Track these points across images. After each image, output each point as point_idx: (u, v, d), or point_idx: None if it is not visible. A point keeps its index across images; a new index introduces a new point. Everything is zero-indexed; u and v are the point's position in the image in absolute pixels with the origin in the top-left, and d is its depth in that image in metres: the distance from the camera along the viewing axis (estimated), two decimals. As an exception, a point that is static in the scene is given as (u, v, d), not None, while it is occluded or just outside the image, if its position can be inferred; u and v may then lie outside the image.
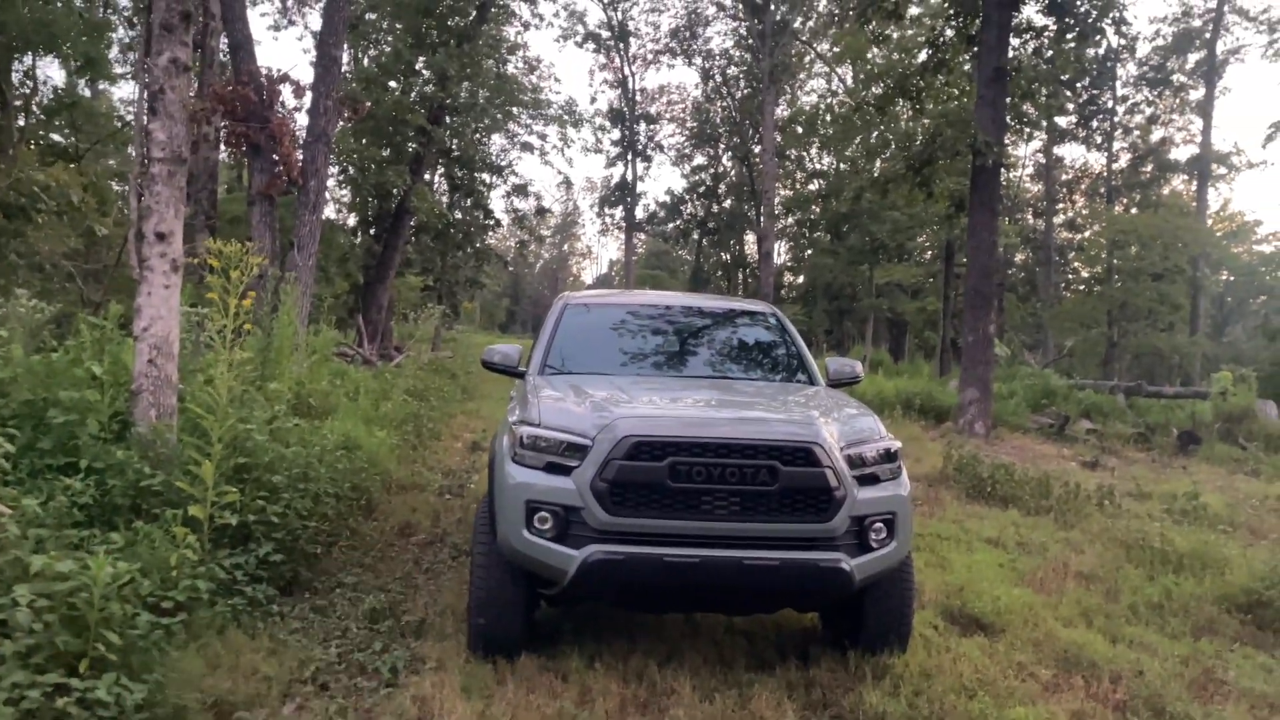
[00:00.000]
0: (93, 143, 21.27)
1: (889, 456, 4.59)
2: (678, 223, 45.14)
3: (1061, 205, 39.05)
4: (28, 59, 18.46)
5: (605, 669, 4.51)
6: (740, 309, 6.87)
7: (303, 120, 15.64)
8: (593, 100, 57.58)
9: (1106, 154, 36.56)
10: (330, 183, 24.97)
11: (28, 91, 19.69)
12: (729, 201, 42.92)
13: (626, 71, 44.29)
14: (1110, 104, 34.77)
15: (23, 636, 3.14)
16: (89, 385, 5.49)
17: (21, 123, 19.68)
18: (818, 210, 37.47)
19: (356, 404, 10.12)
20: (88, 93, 24.62)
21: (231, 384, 5.43)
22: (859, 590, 4.45)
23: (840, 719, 4.21)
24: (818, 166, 40.32)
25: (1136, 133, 36.74)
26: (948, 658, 4.89)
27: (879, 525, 4.39)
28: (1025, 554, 7.37)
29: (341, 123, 19.40)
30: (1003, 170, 16.72)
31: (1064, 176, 39.67)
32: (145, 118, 5.90)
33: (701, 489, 4.17)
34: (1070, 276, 39.66)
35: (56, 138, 21.35)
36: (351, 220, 28.06)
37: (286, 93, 14.82)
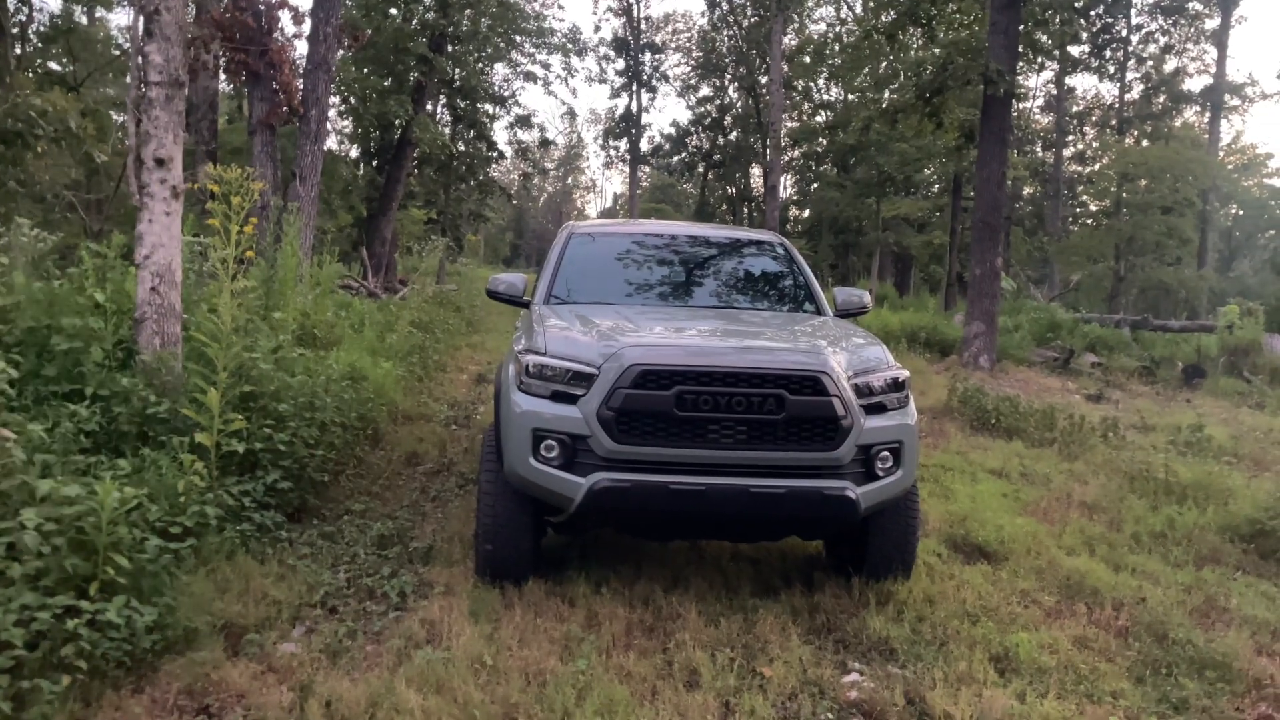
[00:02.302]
0: (90, 71, 20.96)
1: (896, 386, 4.57)
2: (683, 155, 44.60)
3: (1071, 138, 38.52)
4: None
5: (611, 594, 4.55)
6: (747, 238, 6.80)
7: (302, 48, 15.39)
8: (597, 29, 56.61)
9: (1119, 85, 35.92)
10: (331, 114, 24.66)
11: (24, 19, 19.36)
12: (734, 134, 42.34)
13: (631, -1, 43.37)
14: (1124, 33, 34.08)
15: (31, 559, 3.16)
16: (92, 313, 5.46)
17: (19, 51, 19.39)
18: (824, 143, 36.96)
19: (361, 335, 10.09)
20: (84, 20, 24.18)
21: (235, 313, 5.40)
22: (864, 518, 4.47)
23: (844, 643, 4.25)
24: (825, 98, 39.68)
25: (1150, 63, 36.03)
26: (951, 585, 4.93)
27: (885, 454, 4.39)
28: (1029, 484, 7.40)
29: (341, 51, 19.09)
30: (1013, 101, 16.41)
31: (1074, 108, 39.05)
32: (141, 40, 5.77)
33: (708, 417, 4.16)
34: (1078, 210, 39.25)
35: (54, 66, 21.03)
36: (354, 152, 27.78)
37: (285, 19, 14.60)
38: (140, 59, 5.73)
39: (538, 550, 4.76)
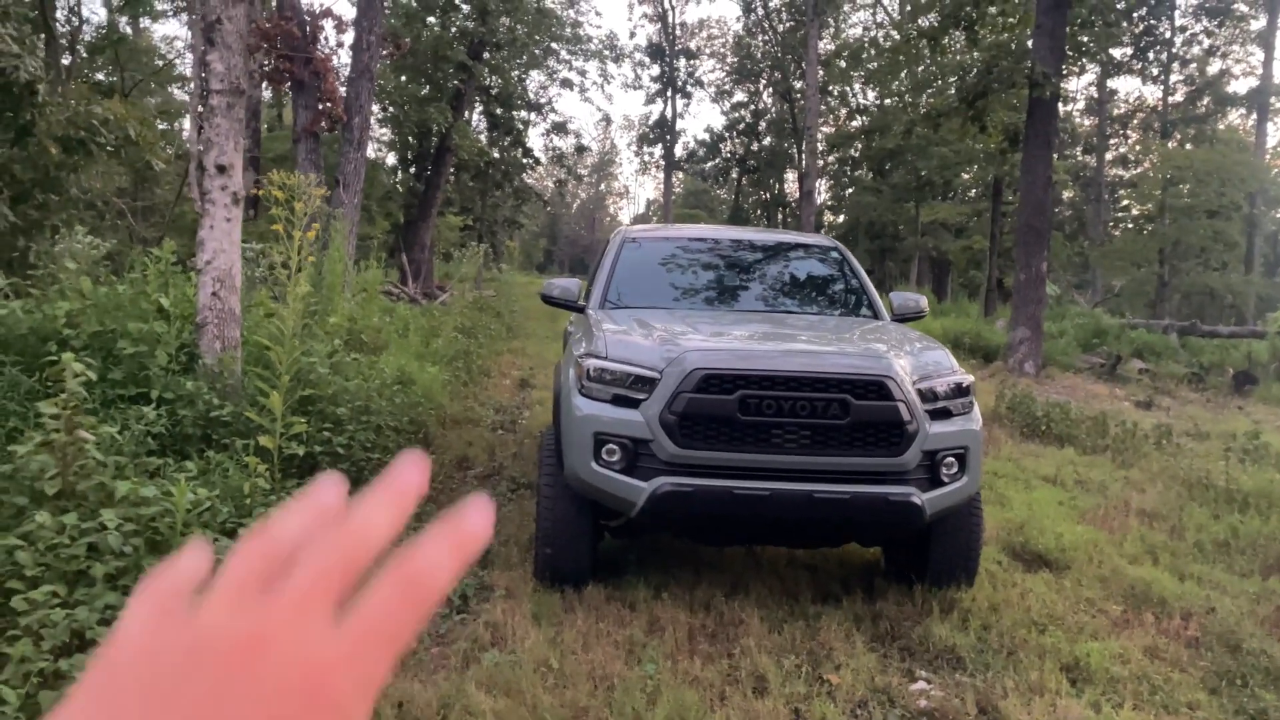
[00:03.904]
0: (138, 80, 21.33)
1: (961, 391, 4.52)
2: (717, 161, 44.58)
3: (1114, 141, 38.00)
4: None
5: (672, 599, 4.54)
6: (801, 242, 6.77)
7: (345, 57, 15.55)
8: (632, 35, 56.66)
9: (1162, 87, 35.38)
10: (371, 121, 24.92)
11: (72, 29, 19.76)
12: (769, 139, 42.26)
13: (667, 5, 43.48)
14: (1168, 35, 33.60)
15: (112, 559, 3.20)
16: (156, 317, 5.55)
17: (67, 60, 19.77)
18: (860, 147, 36.76)
19: (407, 340, 10.17)
20: (129, 31, 24.63)
21: (299, 317, 5.46)
22: (928, 524, 4.42)
23: (910, 651, 4.20)
24: (862, 102, 39.47)
25: (1194, 65, 35.49)
26: (1014, 593, 4.86)
27: (950, 460, 4.34)
28: (1085, 492, 7.28)
29: (383, 59, 19.30)
30: (1058, 105, 16.23)
31: (1117, 111, 38.53)
32: (203, 48, 5.86)
33: (771, 422, 4.14)
34: (1120, 215, 38.71)
35: (101, 76, 21.42)
36: (392, 159, 28.05)
37: (329, 28, 14.74)
38: (202, 67, 5.81)
39: (596, 554, 4.76)
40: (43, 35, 16.56)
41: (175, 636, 0.37)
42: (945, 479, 4.33)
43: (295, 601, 0.38)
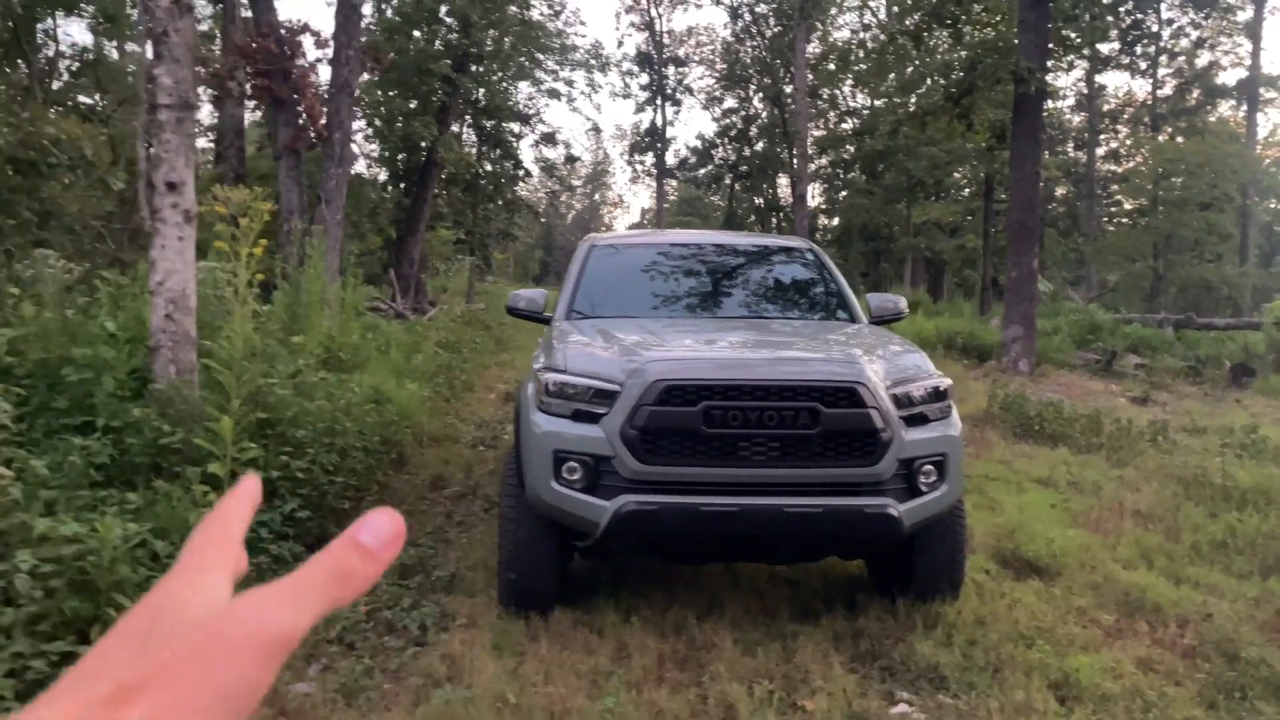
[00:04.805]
0: (120, 101, 21.15)
1: (938, 395, 4.31)
2: (709, 168, 44.38)
3: (1104, 136, 37.85)
4: (49, 20, 18.35)
5: (642, 623, 4.33)
6: (776, 245, 6.58)
7: (326, 72, 15.40)
8: (620, 44, 56.52)
9: (1151, 81, 35.27)
10: (359, 137, 24.78)
11: (51, 54, 19.61)
12: (761, 144, 42.06)
13: (654, 13, 43.38)
14: (1154, 28, 33.45)
15: (26, 604, 2.99)
16: (105, 342, 5.34)
17: (57, 85, 19.64)
18: (852, 150, 36.61)
19: (388, 357, 9.97)
20: (115, 54, 24.46)
21: (250, 337, 5.26)
22: (909, 536, 4.21)
23: (891, 671, 3.99)
24: (851, 104, 39.35)
25: (1182, 57, 35.35)
26: (1002, 604, 4.65)
27: (929, 468, 4.14)
28: (1078, 493, 7.08)
29: (365, 74, 19.13)
30: (1045, 100, 16.06)
31: (1106, 106, 38.38)
32: (150, 63, 5.67)
33: (738, 434, 3.94)
34: (1113, 210, 38.53)
35: (85, 99, 21.26)
36: (383, 175, 27.85)
37: (308, 44, 14.62)
38: (148, 81, 5.63)
39: (564, 577, 4.55)
40: (21, 59, 16.42)
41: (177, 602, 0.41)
42: (924, 488, 4.12)
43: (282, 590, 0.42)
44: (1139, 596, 4.82)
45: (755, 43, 40.66)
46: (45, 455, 4.25)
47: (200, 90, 16.88)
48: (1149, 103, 35.86)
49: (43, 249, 8.76)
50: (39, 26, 17.30)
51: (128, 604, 3.33)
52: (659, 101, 44.53)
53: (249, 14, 15.82)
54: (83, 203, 13.88)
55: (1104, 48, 27.07)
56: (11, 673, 2.83)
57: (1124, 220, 36.26)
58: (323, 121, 14.09)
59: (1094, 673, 3.87)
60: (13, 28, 13.30)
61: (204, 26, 23.23)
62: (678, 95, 45.17)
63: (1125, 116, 37.94)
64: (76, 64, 20.58)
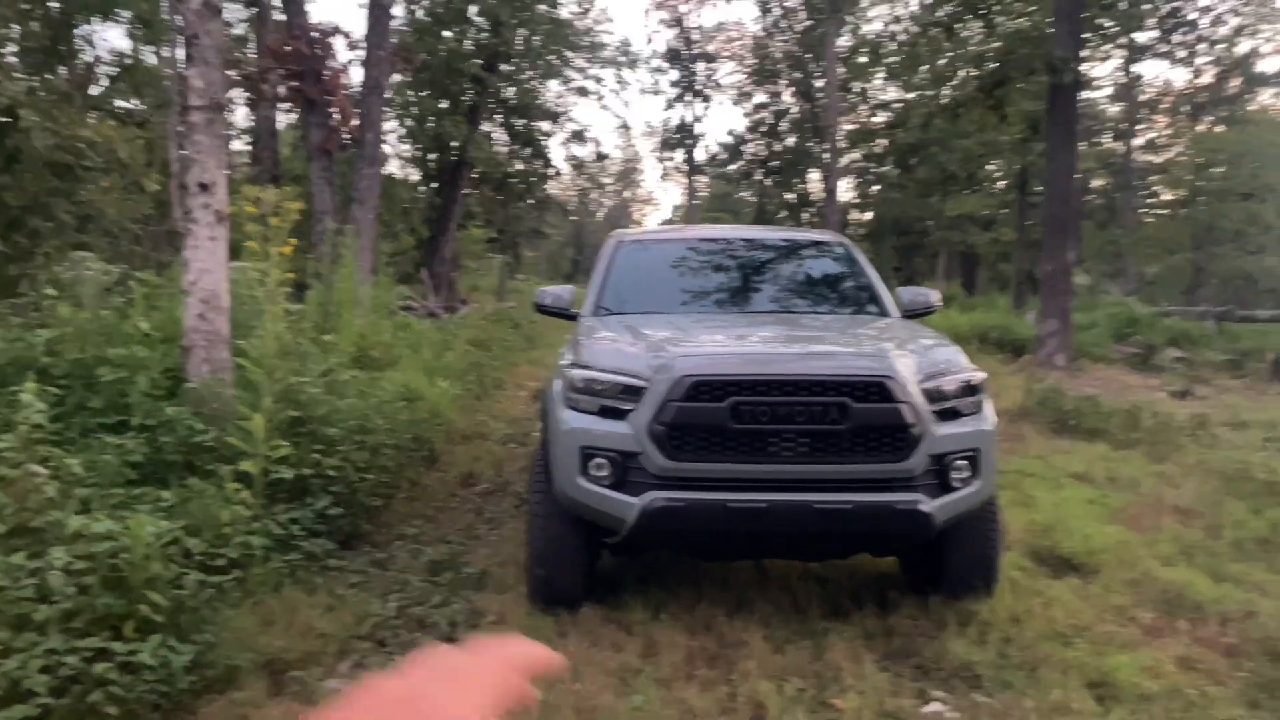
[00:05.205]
0: (156, 106, 21.44)
1: (971, 389, 4.25)
2: (739, 163, 44.19)
3: (1142, 126, 37.22)
4: (86, 26, 18.62)
5: (671, 620, 4.30)
6: (806, 239, 6.53)
7: (358, 74, 15.52)
8: (649, 41, 56.33)
9: (1190, 69, 34.61)
10: (391, 138, 24.94)
11: (89, 59, 19.91)
12: (791, 139, 41.81)
13: (682, 9, 43.28)
14: (1193, 15, 32.84)
15: (60, 601, 3.03)
16: (140, 342, 5.41)
17: (94, 90, 19.95)
18: (884, 144, 36.28)
19: (419, 355, 10.02)
20: (154, 59, 24.80)
21: (283, 336, 5.30)
22: (940, 533, 4.16)
23: (923, 669, 3.94)
24: (883, 98, 38.99)
25: (1222, 45, 34.66)
26: (1038, 602, 4.57)
27: (961, 463, 4.08)
28: (1116, 489, 6.95)
29: (397, 75, 19.25)
30: (1080, 90, 15.81)
31: (1144, 96, 37.74)
32: (182, 65, 5.73)
33: (767, 430, 3.90)
34: (1151, 201, 37.91)
35: (122, 103, 21.57)
36: (415, 175, 28.03)
37: (340, 45, 14.73)
38: (180, 83, 5.68)
39: (593, 574, 4.54)
40: (60, 65, 16.70)
41: None
42: (955, 484, 4.06)
43: None
44: (1179, 594, 4.72)
45: (785, 37, 40.42)
46: (81, 454, 4.31)
47: (234, 93, 17.10)
48: (1188, 91, 35.22)
49: (81, 251, 8.91)
50: (76, 32, 17.55)
51: (160, 600, 3.36)
52: (688, 98, 44.43)
53: (282, 17, 15.97)
54: (120, 205, 14.09)
55: (1141, 36, 26.66)
56: (46, 668, 2.86)
57: (1163, 211, 35.70)
58: (355, 122, 14.19)
59: (1133, 672, 3.79)
60: (51, 34, 13.51)
61: (238, 30, 23.52)
62: (707, 91, 45.08)
63: (1163, 106, 37.27)
64: (114, 69, 20.89)
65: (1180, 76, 35.90)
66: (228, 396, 5.49)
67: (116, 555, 3.33)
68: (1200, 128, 33.64)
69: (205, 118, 5.66)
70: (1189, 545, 5.56)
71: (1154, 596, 4.73)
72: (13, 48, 13.89)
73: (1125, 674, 3.76)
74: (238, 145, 24.78)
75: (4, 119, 6.67)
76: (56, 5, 14.92)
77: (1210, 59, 34.67)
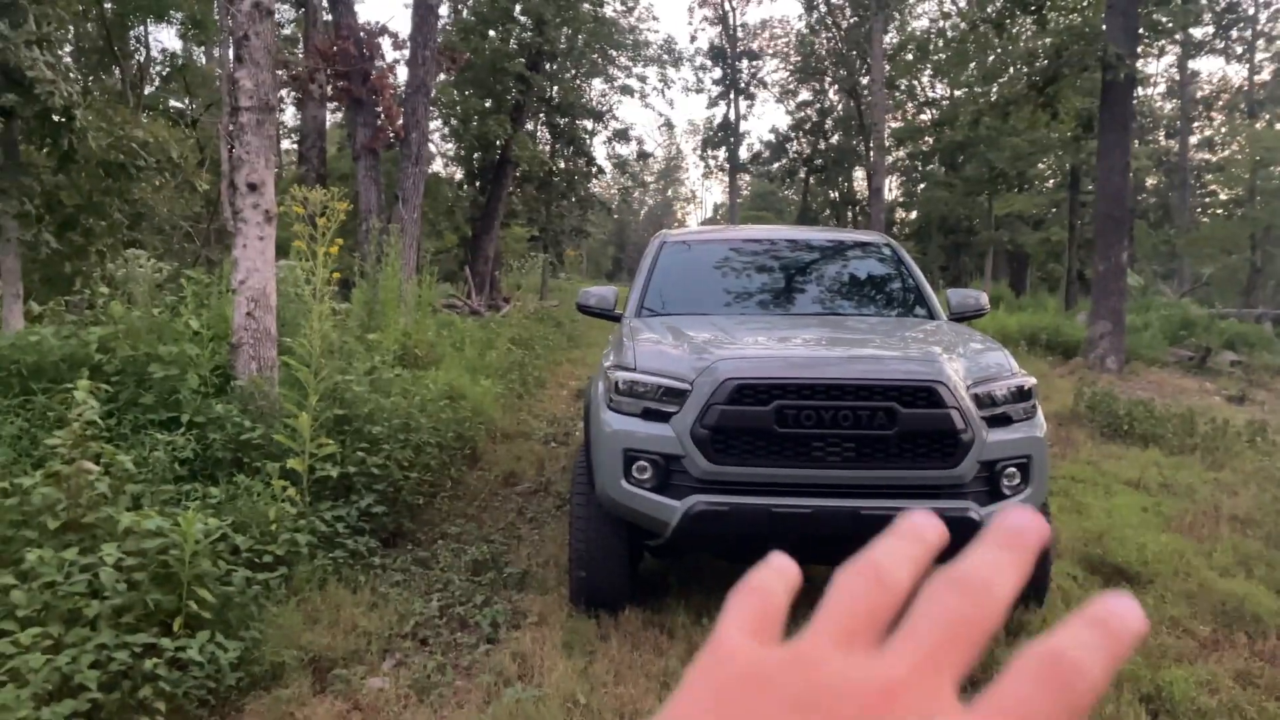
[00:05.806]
0: (206, 106, 21.84)
1: (1022, 394, 4.16)
2: (783, 162, 43.93)
3: (1197, 124, 36.44)
4: (140, 27, 19.03)
5: (713, 624, 4.24)
6: (851, 240, 6.44)
7: (403, 73, 15.64)
8: (692, 39, 56.21)
9: (1247, 66, 33.84)
10: (436, 137, 25.14)
11: (142, 60, 20.35)
12: (836, 137, 41.51)
13: (727, 6, 43.14)
14: (1251, 10, 32.08)
15: (111, 597, 3.07)
16: (189, 340, 5.48)
17: (147, 90, 20.38)
18: (931, 142, 35.87)
19: (462, 354, 10.07)
20: (203, 59, 25.26)
21: (328, 334, 5.35)
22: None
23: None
24: (930, 95, 38.56)
25: (1281, 41, 33.84)
26: (1089, 612, 4.46)
27: (1011, 470, 3.99)
28: (1170, 496, 6.79)
29: (442, 74, 19.38)
30: (1134, 88, 15.48)
31: (1200, 93, 36.95)
32: (232, 66, 5.80)
33: (812, 434, 3.85)
34: (1207, 200, 37.09)
35: (174, 103, 22.01)
36: (459, 174, 28.22)
37: (386, 46, 14.86)
38: (231, 84, 5.75)
39: (634, 577, 4.51)
40: (115, 65, 17.06)
41: (788, 673, 0.35)
42: (1006, 491, 3.98)
43: (919, 663, 0.35)
44: (1237, 606, 4.59)
45: (830, 34, 40.13)
46: (132, 450, 4.38)
47: (283, 93, 17.32)
48: (1245, 88, 34.40)
49: (134, 249, 9.07)
50: (130, 34, 17.90)
51: (209, 597, 3.40)
52: (732, 95, 44.28)
53: (330, 17, 16.15)
54: (171, 204, 14.35)
55: (1197, 32, 26.07)
56: (96, 663, 2.90)
57: (1219, 211, 34.90)
58: (400, 121, 14.32)
59: (1189, 686, 3.69)
60: (106, 35, 13.79)
61: (287, 31, 23.86)
62: (751, 89, 44.88)
63: (1220, 103, 36.47)
64: (166, 69, 21.32)
65: (1237, 73, 35.00)
66: (274, 394, 5.55)
67: (166, 551, 3.37)
68: (1258, 125, 32.80)
69: (255, 118, 5.73)
70: (1247, 555, 5.41)
71: (1211, 608, 4.61)
72: (69, 49, 14.19)
73: (1181, 688, 3.66)
74: (285, 144, 25.16)
75: (60, 119, 6.81)
76: (111, 6, 15.22)
77: (1268, 55, 33.90)
